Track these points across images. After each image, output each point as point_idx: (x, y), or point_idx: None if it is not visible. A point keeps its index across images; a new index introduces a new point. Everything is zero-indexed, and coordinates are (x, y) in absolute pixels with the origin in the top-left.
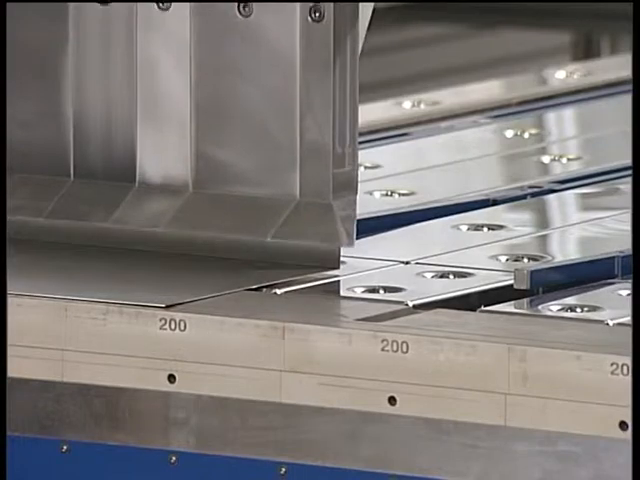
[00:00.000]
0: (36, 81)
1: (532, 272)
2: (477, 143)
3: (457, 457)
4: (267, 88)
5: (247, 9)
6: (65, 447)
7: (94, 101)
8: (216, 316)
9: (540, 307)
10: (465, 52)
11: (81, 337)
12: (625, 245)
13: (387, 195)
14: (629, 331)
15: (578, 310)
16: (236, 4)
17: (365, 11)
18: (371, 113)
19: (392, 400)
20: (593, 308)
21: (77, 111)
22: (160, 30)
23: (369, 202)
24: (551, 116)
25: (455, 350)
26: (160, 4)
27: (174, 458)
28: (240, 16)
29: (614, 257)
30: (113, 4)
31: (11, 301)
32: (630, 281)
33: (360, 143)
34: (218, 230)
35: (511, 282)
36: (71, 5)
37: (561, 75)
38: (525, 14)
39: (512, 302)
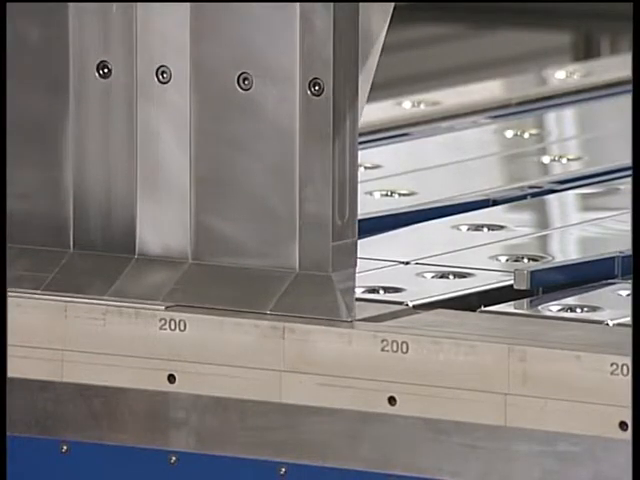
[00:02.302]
0: (36, 153)
1: (532, 272)
2: (477, 143)
3: (457, 457)
4: (267, 160)
5: (247, 83)
6: (65, 447)
7: (94, 173)
8: (216, 316)
9: (540, 307)
10: (465, 52)
11: (81, 337)
12: (625, 245)
13: (387, 195)
14: (629, 331)
15: (578, 310)
16: (236, 78)
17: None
18: (371, 113)
19: (392, 400)
20: (593, 308)
21: (77, 183)
22: (160, 103)
23: (369, 202)
24: (551, 116)
25: (455, 350)
26: (160, 77)
27: (174, 458)
28: (240, 89)
29: (614, 257)
30: (113, 77)
31: (11, 301)
32: (630, 281)
33: (360, 143)
34: (217, 302)
35: (511, 282)
36: (72, 77)
37: (561, 75)
38: (525, 14)
39: (512, 302)
